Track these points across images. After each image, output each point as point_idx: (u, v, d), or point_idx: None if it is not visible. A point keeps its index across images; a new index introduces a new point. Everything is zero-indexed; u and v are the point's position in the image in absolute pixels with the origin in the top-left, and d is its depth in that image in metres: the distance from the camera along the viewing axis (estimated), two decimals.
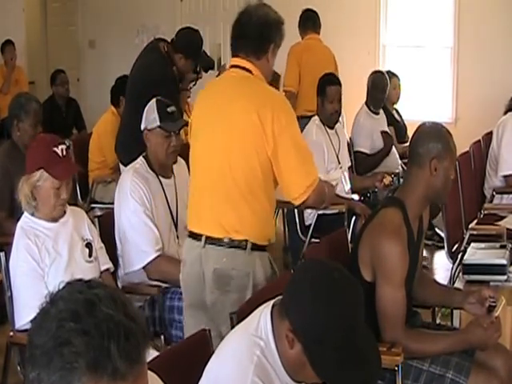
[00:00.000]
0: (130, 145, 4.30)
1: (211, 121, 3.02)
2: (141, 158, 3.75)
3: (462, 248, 4.40)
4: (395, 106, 6.92)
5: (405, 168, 5.62)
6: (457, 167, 4.21)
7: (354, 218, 4.88)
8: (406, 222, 2.84)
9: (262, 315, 2.01)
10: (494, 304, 2.91)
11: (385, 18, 8.65)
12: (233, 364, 1.96)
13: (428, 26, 8.51)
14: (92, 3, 10.31)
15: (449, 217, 4.59)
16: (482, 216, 4.95)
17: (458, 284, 3.70)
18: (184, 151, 3.81)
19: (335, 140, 5.26)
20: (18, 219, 3.25)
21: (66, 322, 1.15)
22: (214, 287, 2.96)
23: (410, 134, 5.45)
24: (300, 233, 5.08)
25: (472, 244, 3.91)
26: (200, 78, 5.20)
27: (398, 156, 6.16)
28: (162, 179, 3.73)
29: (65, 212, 3.26)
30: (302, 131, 3.29)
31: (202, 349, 2.34)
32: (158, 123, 3.68)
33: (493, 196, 5.28)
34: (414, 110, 7.94)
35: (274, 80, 4.52)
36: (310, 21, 6.92)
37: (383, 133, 6.11)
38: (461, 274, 3.67)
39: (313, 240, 4.88)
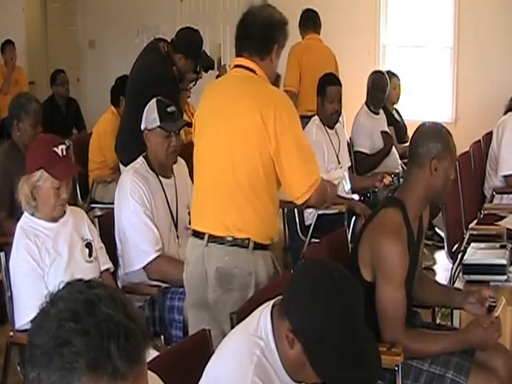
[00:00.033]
0: (130, 145, 4.30)
1: (215, 120, 3.02)
2: (141, 157, 3.75)
3: (462, 248, 4.40)
4: (395, 106, 6.92)
5: (405, 168, 5.61)
6: (457, 167, 4.20)
7: (354, 217, 4.88)
8: (406, 222, 2.83)
9: (262, 315, 2.01)
10: (494, 304, 2.91)
11: (385, 18, 8.65)
12: (233, 364, 1.96)
13: (428, 26, 8.50)
14: (92, 3, 10.31)
15: (449, 217, 4.58)
16: (481, 216, 4.95)
17: (458, 284, 3.69)
18: (184, 151, 3.81)
19: (335, 140, 5.26)
20: (18, 219, 3.25)
21: (66, 321, 1.15)
22: (217, 285, 2.96)
23: (410, 134, 5.43)
24: (300, 233, 5.07)
25: (472, 244, 3.91)
26: (200, 78, 5.20)
27: (397, 156, 6.15)
28: (162, 179, 3.73)
29: (65, 212, 3.25)
30: None
31: (202, 349, 2.34)
32: (158, 123, 3.68)
33: (493, 196, 5.27)
34: (414, 109, 7.94)
35: (274, 80, 4.51)
36: (310, 21, 6.92)
37: (383, 133, 6.11)
38: (461, 274, 3.67)
39: (313, 240, 4.88)
